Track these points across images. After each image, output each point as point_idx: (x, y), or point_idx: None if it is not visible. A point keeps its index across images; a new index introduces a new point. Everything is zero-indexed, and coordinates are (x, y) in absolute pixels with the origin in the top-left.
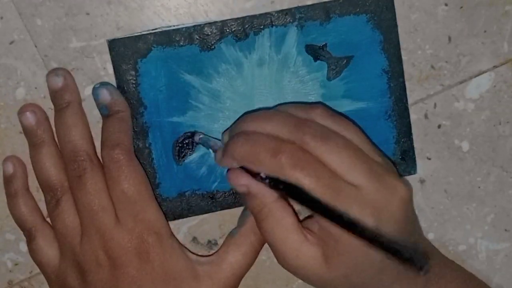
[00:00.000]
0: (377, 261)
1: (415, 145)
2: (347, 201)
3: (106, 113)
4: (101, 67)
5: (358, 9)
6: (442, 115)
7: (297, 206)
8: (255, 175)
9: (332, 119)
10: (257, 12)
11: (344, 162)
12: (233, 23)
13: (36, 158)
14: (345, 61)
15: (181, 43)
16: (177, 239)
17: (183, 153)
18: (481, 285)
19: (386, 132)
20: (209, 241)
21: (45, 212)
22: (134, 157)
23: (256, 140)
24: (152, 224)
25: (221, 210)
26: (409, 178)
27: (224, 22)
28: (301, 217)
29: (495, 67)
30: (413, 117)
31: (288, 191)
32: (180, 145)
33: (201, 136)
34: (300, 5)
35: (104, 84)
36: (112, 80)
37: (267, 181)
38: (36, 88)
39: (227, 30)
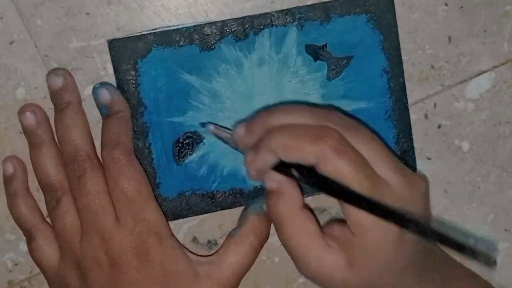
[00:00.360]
0: (402, 261)
1: (415, 145)
2: (381, 195)
3: (106, 113)
4: (101, 67)
5: (358, 9)
6: (442, 115)
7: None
8: (287, 173)
9: (347, 117)
10: (257, 12)
11: (375, 155)
12: (233, 23)
13: (36, 158)
14: (345, 61)
15: (181, 43)
16: (177, 239)
17: (183, 153)
18: None
19: (386, 132)
20: (209, 241)
21: (45, 212)
22: (134, 157)
23: (293, 129)
24: (152, 224)
25: (221, 210)
26: None
27: (224, 22)
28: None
29: (495, 67)
30: (413, 117)
31: (323, 184)
32: (180, 145)
33: (211, 126)
34: (300, 5)
35: (104, 84)
36: (112, 80)
37: (303, 174)
38: (36, 88)
39: (227, 30)
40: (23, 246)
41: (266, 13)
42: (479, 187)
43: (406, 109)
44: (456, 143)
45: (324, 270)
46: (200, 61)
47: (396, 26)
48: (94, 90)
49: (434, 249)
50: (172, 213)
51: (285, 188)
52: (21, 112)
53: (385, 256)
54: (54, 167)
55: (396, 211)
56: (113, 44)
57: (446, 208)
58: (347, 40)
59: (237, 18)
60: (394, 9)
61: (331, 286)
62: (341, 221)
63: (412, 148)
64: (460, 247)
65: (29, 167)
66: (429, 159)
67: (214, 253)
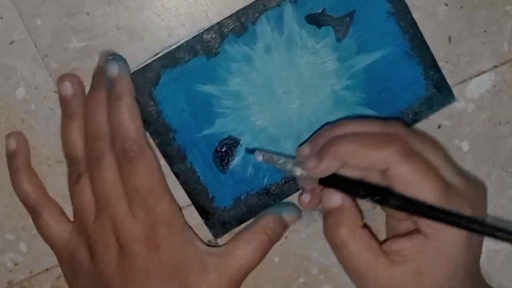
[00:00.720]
0: (468, 265)
1: None
2: (452, 197)
3: (109, 88)
4: None
5: None
6: (442, 115)
7: None
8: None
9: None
10: (248, 3)
11: (442, 161)
12: (229, 21)
13: (66, 129)
14: (348, 18)
15: (187, 58)
16: (190, 229)
17: (225, 161)
18: None
19: (412, 71)
20: (209, 241)
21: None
22: (145, 148)
23: (361, 137)
24: (165, 217)
25: (280, 201)
26: None
27: (220, 24)
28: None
29: (495, 67)
30: None
31: (390, 200)
32: (219, 154)
33: (261, 156)
34: None
35: (117, 58)
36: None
37: (361, 192)
38: (36, 88)
39: (225, 30)
40: (23, 246)
41: (256, 1)
42: None
43: (423, 42)
44: (456, 143)
45: (393, 282)
46: (210, 68)
47: None
48: (106, 61)
49: (480, 273)
50: (235, 220)
51: (347, 207)
52: (60, 80)
53: (455, 257)
54: (81, 141)
55: (466, 216)
56: None
57: None
58: None
59: (231, 15)
60: None
61: None
62: (401, 235)
63: (443, 77)
64: None
65: (33, 143)
66: None
67: (224, 244)
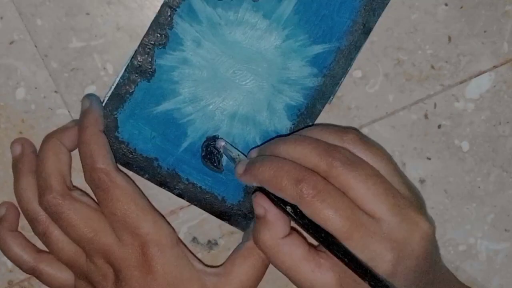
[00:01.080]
0: (395, 284)
1: (415, 145)
2: (367, 234)
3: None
4: (101, 67)
5: None
6: (442, 115)
7: None
8: (276, 203)
9: (363, 146)
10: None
11: (369, 191)
12: (148, 38)
13: (16, 189)
14: None
15: (130, 90)
16: (184, 247)
17: (216, 161)
18: None
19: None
20: (209, 241)
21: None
22: (116, 174)
23: (281, 165)
24: (151, 236)
25: None
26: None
27: (142, 44)
28: None
29: (495, 67)
30: (413, 117)
31: (308, 226)
32: (207, 157)
33: (223, 144)
34: None
35: (91, 95)
36: (112, 80)
37: (288, 208)
38: (36, 88)
39: (150, 47)
40: None
41: (162, 7)
42: (479, 187)
43: None
44: (456, 143)
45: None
46: (156, 88)
47: None
48: (82, 99)
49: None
50: (251, 209)
51: (270, 217)
52: (12, 144)
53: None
54: (33, 197)
55: (369, 270)
56: None
57: (446, 208)
58: None
59: (147, 32)
60: None
61: None
62: None
63: (383, 1)
64: None
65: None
66: (429, 159)
67: (221, 265)
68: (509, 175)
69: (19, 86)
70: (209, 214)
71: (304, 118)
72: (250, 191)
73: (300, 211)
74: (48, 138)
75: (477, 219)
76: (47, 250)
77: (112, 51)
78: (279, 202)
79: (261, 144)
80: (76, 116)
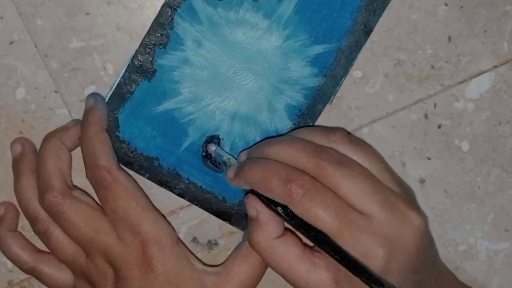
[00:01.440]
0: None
1: (415, 145)
2: (357, 231)
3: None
4: (101, 67)
5: None
6: (442, 115)
7: None
8: (267, 204)
9: (351, 145)
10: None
11: (357, 189)
12: (149, 38)
13: (17, 189)
14: None
15: (131, 90)
16: (184, 247)
17: (217, 162)
18: None
19: None
20: (209, 241)
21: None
22: (118, 172)
23: (270, 167)
24: (151, 235)
25: None
26: (408, 179)
27: (143, 44)
28: None
29: (495, 67)
30: (413, 117)
31: (299, 225)
32: (209, 157)
33: (214, 148)
34: None
35: (95, 94)
36: (112, 81)
37: (279, 209)
38: (36, 88)
39: (151, 47)
40: None
41: (162, 7)
42: (479, 187)
43: None
44: (456, 143)
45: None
46: (156, 87)
47: None
48: (86, 97)
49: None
50: None
51: (263, 218)
52: (12, 143)
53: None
54: (34, 197)
55: (362, 267)
56: None
57: (446, 208)
58: None
59: (148, 32)
60: None
61: None
62: None
63: (384, 2)
64: None
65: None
66: (429, 159)
67: (221, 264)
68: (509, 175)
69: (19, 86)
70: (209, 214)
71: (305, 118)
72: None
73: (291, 211)
74: (48, 137)
75: (477, 219)
76: (47, 249)
77: (112, 51)
78: (270, 203)
79: (250, 147)
80: (76, 116)
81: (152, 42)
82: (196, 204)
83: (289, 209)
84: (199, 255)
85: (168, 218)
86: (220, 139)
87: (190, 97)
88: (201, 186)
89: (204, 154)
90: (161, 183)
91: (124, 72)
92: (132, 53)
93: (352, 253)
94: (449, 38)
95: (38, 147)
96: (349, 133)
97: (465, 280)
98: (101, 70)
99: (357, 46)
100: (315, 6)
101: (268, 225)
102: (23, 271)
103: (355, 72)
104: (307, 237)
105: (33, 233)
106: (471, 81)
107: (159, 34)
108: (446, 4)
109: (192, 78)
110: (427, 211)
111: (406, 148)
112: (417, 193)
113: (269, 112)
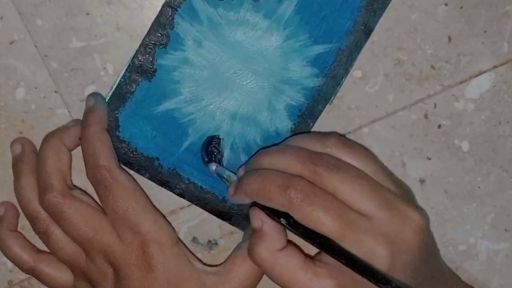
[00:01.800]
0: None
1: (415, 145)
2: (359, 232)
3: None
4: (101, 67)
5: None
6: (442, 115)
7: None
8: (271, 216)
9: (346, 149)
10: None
11: (355, 192)
12: (149, 38)
13: (17, 189)
14: None
15: (131, 90)
16: (184, 246)
17: (217, 160)
18: None
19: (353, 4)
20: (209, 241)
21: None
22: (118, 172)
23: (266, 176)
24: (151, 235)
25: None
26: (408, 179)
27: (143, 44)
28: None
29: (495, 67)
30: (413, 117)
31: (303, 233)
32: (208, 157)
33: (215, 167)
34: None
35: (96, 94)
36: (112, 81)
37: (282, 220)
38: (36, 88)
39: (151, 47)
40: None
41: (162, 7)
42: (479, 187)
43: None
44: (456, 143)
45: None
46: (157, 87)
47: None
48: (87, 97)
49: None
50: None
51: (267, 229)
52: (12, 143)
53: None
54: (34, 197)
55: (370, 267)
56: None
57: (446, 208)
58: None
59: (148, 32)
60: None
61: None
62: None
63: (384, 2)
64: None
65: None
66: (429, 159)
67: (221, 264)
68: (509, 175)
69: (19, 86)
70: (209, 214)
71: (305, 118)
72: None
73: (293, 220)
74: (48, 137)
75: (477, 219)
76: (47, 249)
77: (112, 51)
78: (272, 214)
79: (246, 162)
80: (76, 116)
81: (153, 42)
82: (196, 204)
83: (291, 218)
84: (199, 255)
85: (168, 218)
86: (220, 139)
87: (190, 97)
88: (201, 186)
89: (203, 153)
90: (161, 183)
91: (125, 72)
92: (132, 53)
93: (356, 254)
94: (449, 38)
95: (38, 147)
96: (343, 136)
97: (465, 280)
98: (101, 70)
99: (357, 47)
100: (316, 6)
101: (272, 236)
102: (23, 271)
103: (355, 72)
104: (312, 243)
105: (33, 233)
106: (471, 81)
107: (159, 34)
108: (446, 4)
109: (192, 78)
110: (427, 211)
111: (406, 148)
112: (417, 193)
113: (269, 112)
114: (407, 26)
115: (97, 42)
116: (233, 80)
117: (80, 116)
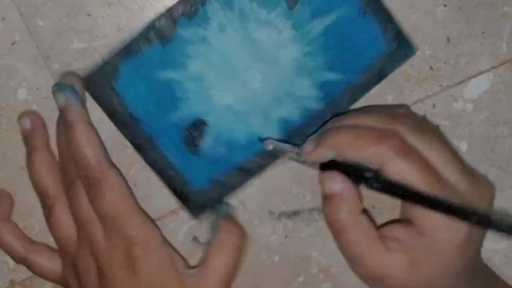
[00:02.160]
0: (460, 264)
1: None
2: (448, 194)
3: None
4: None
5: None
6: (441, 116)
7: None
8: (350, 175)
9: (418, 117)
10: None
11: (440, 157)
12: (178, 6)
13: (29, 164)
14: None
15: (142, 48)
16: (170, 249)
17: (195, 142)
18: None
19: (369, 29)
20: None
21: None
22: (108, 172)
23: (359, 129)
24: (138, 238)
25: (259, 175)
26: None
27: (170, 9)
28: None
29: (493, 67)
30: None
31: (391, 189)
32: (188, 137)
33: (270, 145)
34: None
35: (62, 87)
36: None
37: (368, 174)
38: (37, 88)
39: (176, 15)
40: None
41: None
42: None
43: None
44: (455, 144)
45: (386, 271)
46: (167, 54)
47: None
48: (53, 92)
49: (481, 263)
50: (214, 202)
51: (347, 192)
52: (20, 117)
53: (450, 257)
54: (47, 172)
55: (464, 207)
56: (87, 81)
57: None
58: None
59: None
60: None
61: (390, 286)
62: (402, 222)
63: (401, 31)
64: None
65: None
66: None
67: (198, 264)
68: (508, 175)
69: (20, 87)
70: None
71: (294, 135)
72: (216, 185)
73: (376, 179)
74: (77, 122)
75: None
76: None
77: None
78: (356, 171)
79: (316, 131)
80: None
81: (180, 11)
82: (160, 178)
83: (377, 175)
84: (199, 254)
85: (168, 218)
86: (206, 124)
87: (195, 75)
88: (170, 162)
89: (186, 133)
90: (135, 145)
91: (141, 30)
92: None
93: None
94: (448, 39)
95: (38, 147)
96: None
97: None
98: None
99: (366, 87)
100: (343, 36)
101: (354, 198)
102: (15, 260)
103: None
104: (404, 198)
105: (33, 233)
106: (470, 82)
107: (189, 6)
108: (445, 5)
109: (203, 58)
110: None
111: None
112: None
113: (262, 118)
114: (406, 26)
115: (98, 43)
116: (241, 75)
117: None
